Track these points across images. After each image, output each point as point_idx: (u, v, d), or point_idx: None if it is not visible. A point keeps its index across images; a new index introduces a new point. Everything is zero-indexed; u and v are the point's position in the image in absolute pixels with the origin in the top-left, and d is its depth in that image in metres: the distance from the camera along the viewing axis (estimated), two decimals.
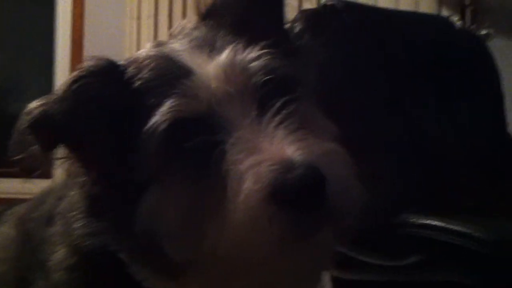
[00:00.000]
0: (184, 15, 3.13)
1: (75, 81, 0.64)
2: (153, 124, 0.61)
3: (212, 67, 0.65)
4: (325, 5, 1.57)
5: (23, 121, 0.64)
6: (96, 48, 3.35)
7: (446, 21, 1.82)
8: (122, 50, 3.25)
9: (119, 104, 0.65)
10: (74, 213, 0.70)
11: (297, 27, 1.38)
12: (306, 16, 1.43)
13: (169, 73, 0.65)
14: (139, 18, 3.22)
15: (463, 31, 2.12)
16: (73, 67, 3.33)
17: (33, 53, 3.72)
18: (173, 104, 0.62)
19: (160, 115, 0.62)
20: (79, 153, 0.66)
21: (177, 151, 0.62)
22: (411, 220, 1.11)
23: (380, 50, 1.51)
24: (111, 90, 0.65)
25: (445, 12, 2.48)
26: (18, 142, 0.65)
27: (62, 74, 3.38)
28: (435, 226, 1.08)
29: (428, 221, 1.09)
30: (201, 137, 0.61)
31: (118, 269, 0.67)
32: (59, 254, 0.72)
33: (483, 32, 2.26)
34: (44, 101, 0.64)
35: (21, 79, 3.74)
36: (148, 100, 0.63)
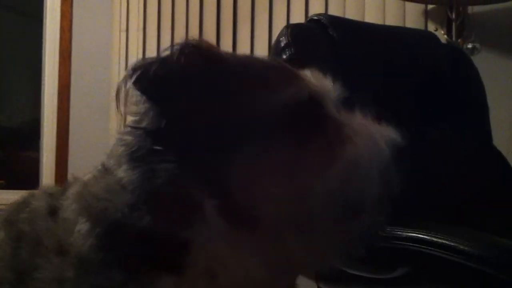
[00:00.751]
0: (173, 28, 3.15)
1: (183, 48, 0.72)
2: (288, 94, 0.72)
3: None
4: (311, 20, 1.59)
5: (133, 75, 0.71)
6: (84, 61, 3.35)
7: (432, 36, 1.84)
8: (110, 62, 3.26)
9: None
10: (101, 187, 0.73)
11: (283, 42, 1.40)
12: (292, 30, 1.45)
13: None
14: (127, 30, 3.22)
15: (448, 45, 2.15)
16: (60, 79, 3.33)
17: (21, 66, 3.72)
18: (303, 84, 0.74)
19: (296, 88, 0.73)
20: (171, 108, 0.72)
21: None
22: (398, 233, 1.12)
23: (366, 65, 1.53)
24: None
25: (431, 27, 2.51)
26: (124, 96, 0.72)
27: (51, 86, 3.37)
28: (421, 239, 1.09)
29: (414, 234, 1.10)
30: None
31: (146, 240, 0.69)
32: (83, 228, 0.71)
33: (469, 46, 2.29)
34: (153, 60, 0.72)
35: (9, 91, 3.73)
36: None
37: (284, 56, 1.39)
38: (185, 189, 0.69)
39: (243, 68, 0.75)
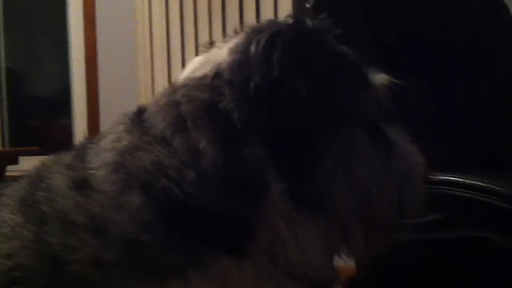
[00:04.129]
0: None
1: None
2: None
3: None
4: None
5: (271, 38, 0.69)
6: (109, 25, 3.35)
7: None
8: (135, 24, 3.26)
9: None
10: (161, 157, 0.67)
11: None
12: None
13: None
14: None
15: None
16: (87, 45, 3.35)
17: (48, 34, 3.74)
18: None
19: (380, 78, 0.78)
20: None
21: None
22: (430, 177, 1.11)
23: (395, 11, 1.48)
24: None
25: None
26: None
27: (77, 52, 3.39)
28: (454, 181, 1.08)
29: (446, 177, 1.09)
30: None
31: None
32: (132, 202, 0.65)
33: None
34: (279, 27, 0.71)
35: (38, 60, 3.76)
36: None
37: (307, 5, 1.36)
38: (258, 172, 0.67)
39: (347, 57, 0.76)
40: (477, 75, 1.54)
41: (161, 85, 2.92)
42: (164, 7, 3.15)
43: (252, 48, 0.69)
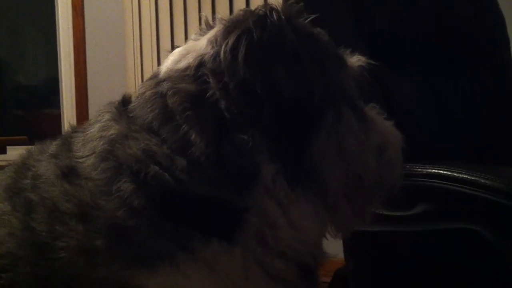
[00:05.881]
0: None
1: None
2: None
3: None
4: None
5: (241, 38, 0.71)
6: (97, 14, 3.33)
7: None
8: (123, 14, 3.23)
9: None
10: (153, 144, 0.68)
11: None
12: None
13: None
14: None
15: None
16: (75, 34, 3.32)
17: (36, 24, 3.71)
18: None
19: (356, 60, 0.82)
20: None
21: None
22: (417, 170, 1.11)
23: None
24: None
25: None
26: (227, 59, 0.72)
27: (66, 42, 3.36)
28: (441, 174, 1.08)
29: (434, 170, 1.09)
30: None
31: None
32: (123, 189, 0.65)
33: None
34: (249, 23, 0.72)
35: (27, 50, 3.73)
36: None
37: None
38: (249, 158, 0.68)
39: (326, 40, 0.78)
40: (463, 74, 1.54)
41: (150, 74, 2.89)
42: None
43: (222, 49, 0.71)
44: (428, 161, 1.14)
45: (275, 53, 0.70)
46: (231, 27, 0.73)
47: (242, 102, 0.69)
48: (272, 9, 0.73)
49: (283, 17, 0.73)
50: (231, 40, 0.70)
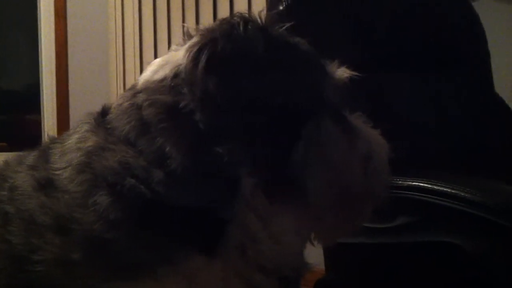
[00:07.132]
0: None
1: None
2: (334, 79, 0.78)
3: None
4: None
5: (201, 52, 0.70)
6: (80, 20, 3.31)
7: None
8: (106, 20, 3.22)
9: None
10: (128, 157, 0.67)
11: None
12: None
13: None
14: None
15: None
16: (57, 40, 3.30)
17: (18, 29, 3.68)
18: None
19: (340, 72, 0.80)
20: None
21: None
22: (398, 182, 1.11)
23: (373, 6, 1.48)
24: None
25: None
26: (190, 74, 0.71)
27: (48, 47, 3.34)
28: (422, 187, 1.08)
29: (415, 183, 1.09)
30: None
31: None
32: (100, 202, 0.64)
33: None
34: (215, 34, 0.71)
35: (8, 54, 3.70)
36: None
37: (281, 7, 1.36)
38: (230, 169, 0.67)
39: (305, 49, 0.77)
40: (460, 76, 1.56)
41: (133, 81, 2.88)
42: (137, 2, 3.12)
43: (185, 59, 0.71)
44: (415, 168, 1.15)
45: (239, 64, 0.70)
46: (206, 36, 0.72)
47: (212, 113, 0.68)
48: (244, 18, 0.73)
49: (257, 26, 0.72)
50: (193, 50, 0.70)
